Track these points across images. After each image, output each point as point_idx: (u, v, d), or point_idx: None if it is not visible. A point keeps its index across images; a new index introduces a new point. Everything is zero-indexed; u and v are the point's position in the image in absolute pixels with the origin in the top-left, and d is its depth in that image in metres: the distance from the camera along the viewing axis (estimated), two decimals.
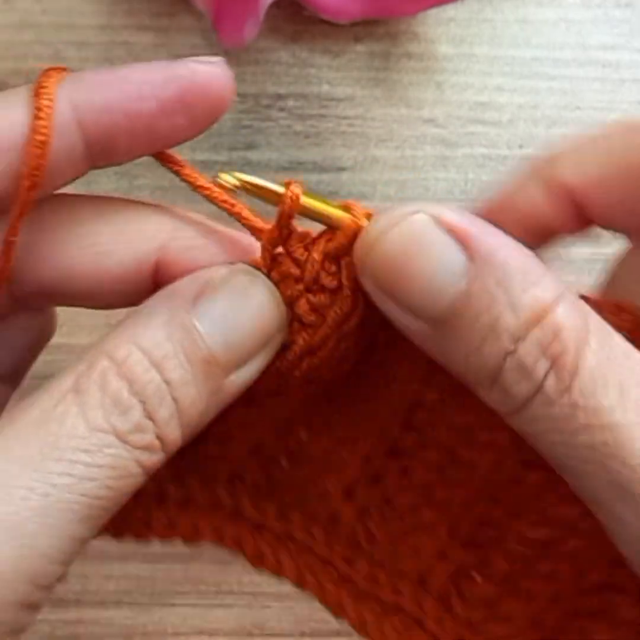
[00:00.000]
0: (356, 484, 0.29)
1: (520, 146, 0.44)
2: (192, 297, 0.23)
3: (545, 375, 0.21)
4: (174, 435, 0.23)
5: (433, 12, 0.43)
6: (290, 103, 0.44)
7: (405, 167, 0.44)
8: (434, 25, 0.44)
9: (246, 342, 0.23)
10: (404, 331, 0.23)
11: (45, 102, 0.22)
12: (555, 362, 0.21)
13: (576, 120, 0.44)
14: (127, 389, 0.22)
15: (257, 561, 0.30)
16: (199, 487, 0.24)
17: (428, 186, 0.44)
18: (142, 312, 0.23)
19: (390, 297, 0.22)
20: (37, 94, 0.23)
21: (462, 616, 0.28)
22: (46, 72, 0.23)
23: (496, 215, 0.25)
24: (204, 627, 0.41)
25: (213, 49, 0.44)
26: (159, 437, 0.22)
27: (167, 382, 0.22)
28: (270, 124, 0.43)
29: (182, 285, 0.24)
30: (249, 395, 0.25)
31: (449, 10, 0.44)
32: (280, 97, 0.44)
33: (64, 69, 0.24)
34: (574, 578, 0.27)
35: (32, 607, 0.21)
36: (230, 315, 0.23)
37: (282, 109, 0.44)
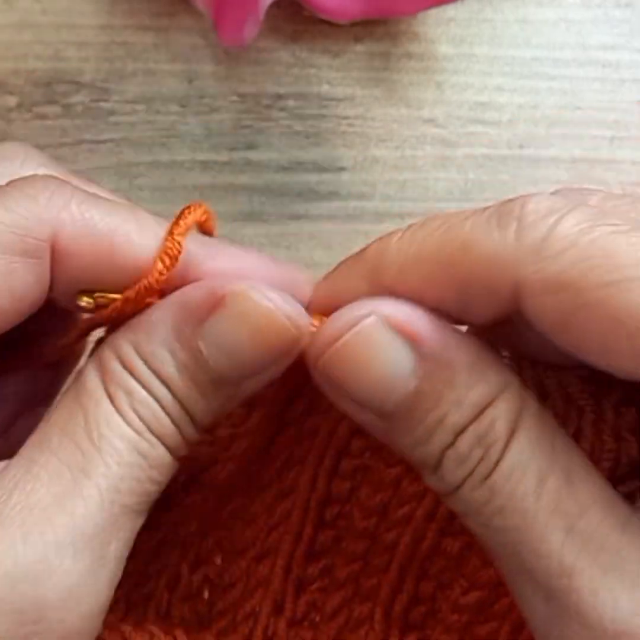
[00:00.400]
0: (283, 595, 0.29)
1: (520, 146, 0.44)
2: (200, 313, 0.23)
3: (478, 462, 0.22)
4: (196, 435, 0.24)
5: (433, 12, 0.43)
6: (290, 103, 0.44)
7: (405, 167, 0.44)
8: (434, 25, 0.44)
9: (257, 360, 0.23)
10: (354, 418, 0.24)
11: (174, 248, 0.24)
12: (486, 451, 0.22)
13: (576, 120, 0.44)
14: (151, 399, 0.23)
15: None
16: (133, 630, 0.25)
17: (428, 186, 0.44)
18: (149, 319, 0.23)
19: (341, 393, 0.23)
20: (171, 233, 0.24)
21: None
22: (186, 210, 0.25)
23: (325, 302, 0.25)
24: None
25: (213, 49, 0.44)
26: (185, 438, 0.24)
27: (177, 399, 0.23)
28: (270, 124, 0.43)
29: (192, 295, 0.23)
30: (152, 522, 0.25)
31: (449, 10, 0.44)
32: (280, 97, 0.44)
33: (201, 206, 0.25)
34: (510, 634, 0.27)
35: (106, 609, 0.23)
36: (239, 336, 0.23)
37: (282, 109, 0.44)
